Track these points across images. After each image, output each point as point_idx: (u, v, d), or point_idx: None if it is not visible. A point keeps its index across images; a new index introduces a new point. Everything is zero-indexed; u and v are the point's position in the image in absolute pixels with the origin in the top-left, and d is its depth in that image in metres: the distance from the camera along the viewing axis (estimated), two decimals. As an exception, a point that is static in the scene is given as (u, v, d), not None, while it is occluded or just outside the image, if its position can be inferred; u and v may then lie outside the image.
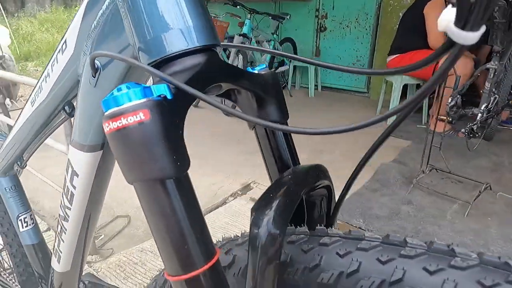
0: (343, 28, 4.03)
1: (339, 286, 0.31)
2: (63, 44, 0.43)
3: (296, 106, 3.63)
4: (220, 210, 1.75)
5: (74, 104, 0.51)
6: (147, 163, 0.27)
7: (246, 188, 2.01)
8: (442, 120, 1.96)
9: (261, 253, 0.30)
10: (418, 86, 3.14)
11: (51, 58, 0.47)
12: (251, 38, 3.57)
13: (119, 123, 0.27)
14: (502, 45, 2.01)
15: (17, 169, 0.72)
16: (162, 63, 0.32)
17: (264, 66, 0.39)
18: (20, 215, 0.74)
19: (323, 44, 4.30)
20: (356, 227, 1.62)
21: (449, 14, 0.23)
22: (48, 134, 0.62)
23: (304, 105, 3.68)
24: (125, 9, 0.33)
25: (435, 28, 2.60)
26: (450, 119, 1.92)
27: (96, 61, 0.38)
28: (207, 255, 0.30)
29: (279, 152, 0.42)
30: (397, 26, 3.01)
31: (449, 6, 0.23)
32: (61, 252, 0.63)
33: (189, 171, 0.30)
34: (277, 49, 4.06)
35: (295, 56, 0.39)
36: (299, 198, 0.34)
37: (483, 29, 0.22)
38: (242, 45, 0.45)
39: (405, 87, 3.00)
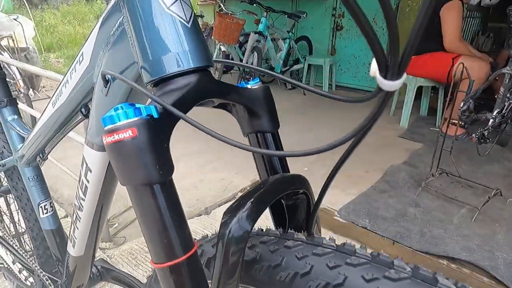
0: (360, 27, 4.01)
1: (294, 285, 0.36)
2: (80, 56, 0.49)
3: (310, 104, 3.65)
4: (229, 204, 1.80)
5: (90, 107, 0.57)
6: (135, 171, 0.33)
7: (256, 184, 2.05)
8: (454, 124, 1.95)
9: (225, 251, 0.35)
10: (433, 88, 3.11)
11: (70, 67, 0.52)
12: (267, 36, 3.60)
13: (113, 138, 0.32)
14: (519, 50, 1.99)
15: (39, 161, 0.78)
16: (161, 82, 0.37)
17: (258, 80, 0.43)
18: (41, 202, 0.80)
19: (339, 43, 4.29)
20: (361, 227, 1.65)
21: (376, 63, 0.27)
22: (68, 132, 0.67)
23: (317, 103, 3.69)
24: (131, 32, 0.38)
25: (451, 31, 2.57)
26: (462, 123, 1.91)
27: (107, 75, 0.43)
28: (186, 247, 0.36)
29: (270, 159, 0.47)
30: (414, 27, 2.98)
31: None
32: (75, 238, 0.69)
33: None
34: (292, 47, 4.08)
35: (264, 70, 0.45)
36: (268, 204, 0.38)
37: (403, 78, 0.26)
38: (229, 61, 0.51)
39: (419, 88, 2.98)
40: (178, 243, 0.35)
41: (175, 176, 0.35)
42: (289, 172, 0.48)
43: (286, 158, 0.47)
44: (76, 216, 0.64)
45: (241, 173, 2.13)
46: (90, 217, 0.63)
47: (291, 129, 2.86)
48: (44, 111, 0.63)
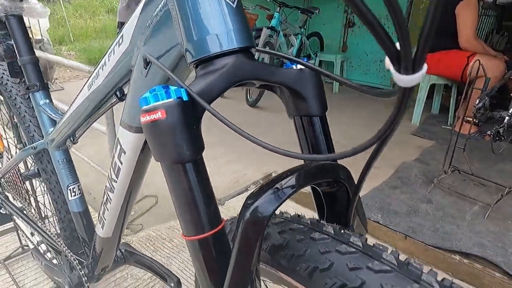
0: (372, 24, 3.99)
1: (312, 279, 0.35)
2: (120, 38, 0.50)
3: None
4: (242, 197, 1.82)
5: (125, 90, 0.58)
6: (166, 150, 0.35)
7: (268, 177, 2.07)
8: (468, 122, 1.94)
9: (243, 232, 0.35)
10: (446, 86, 3.09)
11: (108, 49, 0.54)
12: (279, 31, 3.59)
13: (146, 118, 0.35)
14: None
15: (68, 144, 0.80)
16: (204, 61, 0.38)
17: (305, 59, 0.41)
18: (69, 185, 0.82)
19: (350, 39, 4.27)
20: (373, 221, 1.66)
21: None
22: (99, 115, 0.69)
23: (329, 98, 3.68)
24: (176, 13, 0.39)
25: (466, 28, 2.55)
26: (477, 121, 1.90)
27: (148, 56, 0.44)
28: (214, 223, 0.38)
29: (316, 143, 0.44)
30: (428, 24, 2.96)
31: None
32: (105, 219, 0.71)
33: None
34: (304, 43, 4.07)
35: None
36: (296, 190, 0.36)
37: (422, 70, 0.24)
38: (268, 50, 0.48)
39: (432, 86, 2.96)
40: (207, 218, 0.37)
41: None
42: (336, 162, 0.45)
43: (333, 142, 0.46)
44: (107, 197, 0.66)
45: (254, 165, 2.15)
46: (121, 199, 0.65)
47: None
48: (78, 94, 0.65)
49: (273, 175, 2.10)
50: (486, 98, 1.84)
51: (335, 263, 0.34)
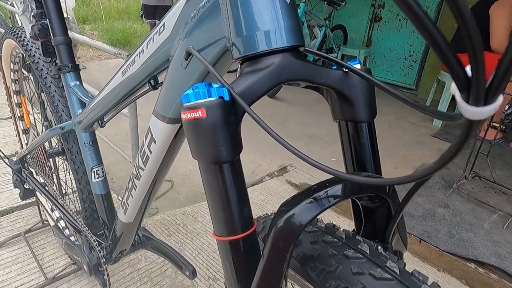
0: (400, 20, 3.88)
1: None
2: (161, 26, 0.49)
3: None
4: (256, 188, 1.83)
5: (159, 79, 0.58)
6: (204, 149, 0.34)
7: (283, 170, 2.06)
8: (495, 128, 1.88)
9: (273, 240, 0.34)
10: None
11: (147, 37, 0.53)
12: (303, 22, 3.53)
13: (186, 115, 0.34)
14: None
15: (95, 127, 0.81)
16: (251, 58, 0.36)
17: (357, 62, 0.38)
18: (93, 167, 0.83)
19: (375, 34, 4.17)
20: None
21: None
22: (130, 102, 0.69)
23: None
24: (226, 6, 0.37)
25: (499, 30, 2.45)
26: (504, 127, 1.85)
27: (191, 50, 0.43)
28: (246, 225, 0.37)
29: (360, 150, 0.42)
30: (459, 23, 2.86)
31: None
32: (128, 205, 0.72)
33: None
34: (328, 36, 4.00)
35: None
36: (336, 202, 0.34)
37: (497, 102, 0.20)
38: (315, 51, 0.46)
39: (458, 88, 2.88)
40: (239, 221, 0.37)
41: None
42: (380, 173, 0.42)
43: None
44: (132, 184, 0.66)
45: (270, 157, 2.15)
46: (146, 187, 0.65)
47: (320, 118, 2.84)
48: (111, 79, 0.65)
49: (289, 168, 2.10)
50: (516, 105, 1.78)
51: None
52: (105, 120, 0.76)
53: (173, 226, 1.42)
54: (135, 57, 0.57)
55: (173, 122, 0.51)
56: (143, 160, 0.60)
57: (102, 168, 0.85)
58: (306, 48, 0.37)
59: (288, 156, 2.15)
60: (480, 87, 0.20)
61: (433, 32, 0.20)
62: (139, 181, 0.64)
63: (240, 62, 0.38)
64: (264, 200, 1.71)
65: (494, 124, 1.88)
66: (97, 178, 0.84)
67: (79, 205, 0.93)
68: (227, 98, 0.34)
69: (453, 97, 2.73)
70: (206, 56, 0.43)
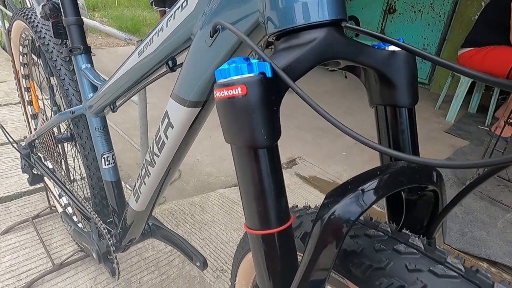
0: (415, 12, 3.79)
1: None
2: (184, 1, 0.45)
3: (350, 87, 3.54)
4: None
5: (177, 61, 0.54)
6: (240, 132, 0.31)
7: (292, 162, 2.03)
8: (511, 124, 1.83)
9: (321, 236, 0.31)
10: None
11: (167, 14, 0.49)
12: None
13: (223, 93, 0.30)
14: None
15: (106, 112, 0.79)
16: (286, 33, 0.33)
17: (401, 39, 0.35)
18: (104, 153, 0.81)
19: (389, 27, 4.08)
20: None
21: None
22: (144, 86, 0.65)
23: (357, 86, 3.57)
24: None
25: (521, 24, 2.38)
26: (521, 124, 1.79)
27: (223, 23, 0.39)
28: (282, 219, 0.34)
29: (398, 139, 0.39)
30: (477, 16, 2.78)
31: None
32: (140, 193, 0.69)
33: None
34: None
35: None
36: (384, 195, 0.32)
37: None
38: (361, 28, 0.41)
39: (473, 83, 2.81)
40: (274, 213, 0.33)
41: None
42: None
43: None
44: (146, 171, 0.64)
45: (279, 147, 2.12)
46: (160, 174, 0.62)
47: (331, 110, 2.79)
48: (125, 60, 0.62)
49: (298, 161, 2.07)
50: (536, 102, 1.72)
51: (429, 286, 0.29)
52: (117, 104, 0.74)
53: (181, 216, 1.40)
54: (153, 36, 0.53)
55: (194, 106, 0.48)
56: (159, 146, 0.57)
57: (112, 155, 0.83)
58: (347, 24, 0.34)
59: (298, 149, 2.12)
60: None
61: None
62: (153, 168, 0.61)
63: (274, 37, 0.34)
64: (273, 192, 1.69)
65: (511, 121, 1.83)
66: (108, 164, 0.82)
67: (88, 191, 0.91)
68: (269, 74, 0.30)
69: (468, 92, 2.66)
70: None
